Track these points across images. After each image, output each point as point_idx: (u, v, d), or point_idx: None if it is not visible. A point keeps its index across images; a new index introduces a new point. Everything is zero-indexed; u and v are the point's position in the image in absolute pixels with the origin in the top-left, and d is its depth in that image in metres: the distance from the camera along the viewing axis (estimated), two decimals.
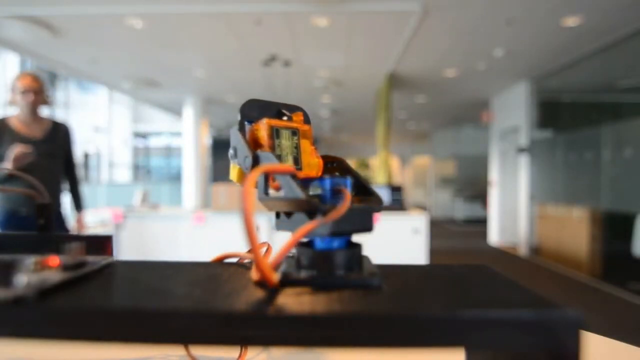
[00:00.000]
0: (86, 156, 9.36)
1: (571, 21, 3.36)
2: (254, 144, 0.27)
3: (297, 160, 0.26)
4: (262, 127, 0.26)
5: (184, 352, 0.37)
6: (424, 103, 6.83)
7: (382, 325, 0.19)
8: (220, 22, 3.48)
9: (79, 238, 0.29)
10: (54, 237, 0.31)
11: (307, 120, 0.29)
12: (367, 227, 0.25)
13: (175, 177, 9.30)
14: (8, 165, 1.83)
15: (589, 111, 4.68)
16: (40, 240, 0.31)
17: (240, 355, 0.36)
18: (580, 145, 4.44)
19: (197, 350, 0.37)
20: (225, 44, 4.00)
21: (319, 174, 0.27)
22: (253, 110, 0.28)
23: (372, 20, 3.43)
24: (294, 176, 0.24)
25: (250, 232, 0.21)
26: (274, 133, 0.26)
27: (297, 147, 0.27)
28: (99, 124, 9.55)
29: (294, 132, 0.27)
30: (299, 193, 0.24)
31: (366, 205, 0.26)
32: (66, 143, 2.16)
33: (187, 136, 6.38)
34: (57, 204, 2.15)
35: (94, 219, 3.61)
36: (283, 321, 0.19)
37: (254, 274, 0.25)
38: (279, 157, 0.26)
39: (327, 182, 0.25)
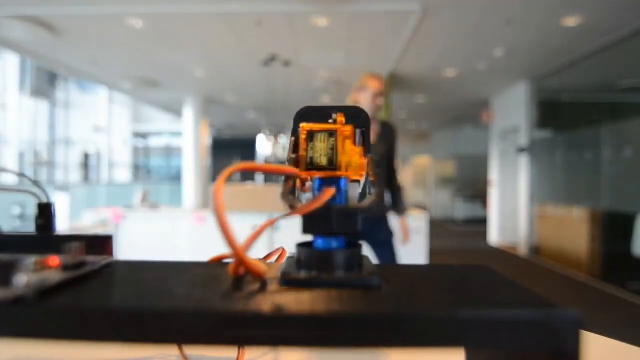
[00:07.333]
0: (86, 156, 9.36)
1: (571, 21, 3.36)
2: (298, 149, 0.28)
3: (331, 161, 0.26)
4: (301, 132, 0.27)
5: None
6: (424, 103, 6.83)
7: (382, 325, 0.19)
8: (220, 22, 3.48)
9: (79, 238, 0.29)
10: (54, 237, 0.31)
11: (352, 122, 0.28)
12: (350, 229, 0.24)
13: (175, 177, 9.30)
14: None
15: (589, 111, 4.68)
16: (40, 240, 0.31)
17: (238, 356, 0.36)
18: (580, 145, 4.44)
19: (196, 351, 0.37)
20: (225, 44, 4.00)
21: (362, 173, 0.27)
22: (304, 117, 0.29)
23: (372, 20, 3.43)
24: (288, 177, 0.26)
25: (223, 227, 0.21)
26: (308, 136, 0.27)
27: (332, 148, 0.26)
28: (99, 124, 9.55)
29: (331, 133, 0.27)
30: (281, 190, 0.25)
31: (358, 205, 0.25)
32: (389, 142, 2.02)
33: (187, 136, 6.38)
34: (383, 207, 1.99)
35: (94, 219, 3.61)
36: (282, 321, 0.19)
37: (231, 269, 0.24)
38: (312, 159, 0.26)
39: (316, 182, 0.26)
